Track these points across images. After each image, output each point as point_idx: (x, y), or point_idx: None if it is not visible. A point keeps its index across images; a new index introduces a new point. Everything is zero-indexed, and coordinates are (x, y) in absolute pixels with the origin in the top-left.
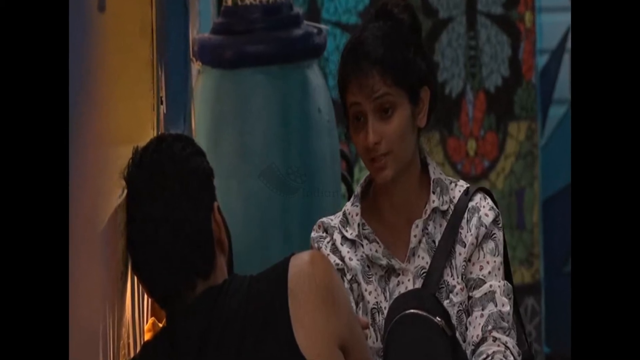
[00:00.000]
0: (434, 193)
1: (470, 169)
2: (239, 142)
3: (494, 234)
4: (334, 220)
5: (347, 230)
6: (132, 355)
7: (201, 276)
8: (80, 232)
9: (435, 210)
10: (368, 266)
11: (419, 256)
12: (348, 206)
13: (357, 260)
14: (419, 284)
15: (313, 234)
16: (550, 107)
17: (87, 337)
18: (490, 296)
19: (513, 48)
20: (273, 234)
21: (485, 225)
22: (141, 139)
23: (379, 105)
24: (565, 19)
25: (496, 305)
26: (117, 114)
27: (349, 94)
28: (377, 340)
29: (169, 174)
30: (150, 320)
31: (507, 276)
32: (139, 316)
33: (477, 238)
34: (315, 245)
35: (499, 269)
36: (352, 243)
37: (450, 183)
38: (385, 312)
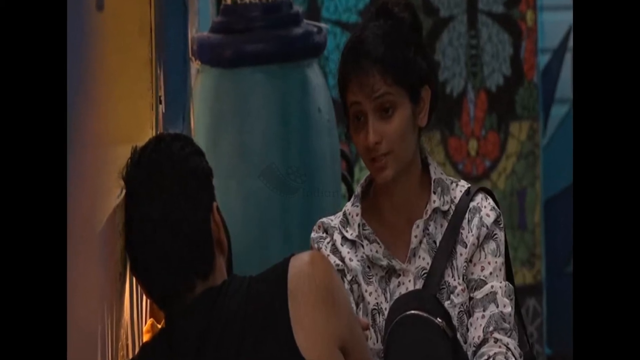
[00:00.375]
0: (434, 193)
1: (471, 169)
2: (239, 142)
3: (496, 234)
4: (334, 220)
5: (347, 231)
6: (130, 356)
7: (200, 277)
8: (79, 232)
9: (436, 210)
10: (368, 267)
11: (419, 257)
12: (348, 206)
13: (358, 260)
14: (419, 284)
15: (313, 235)
16: (552, 107)
17: (85, 338)
18: (491, 297)
19: (514, 47)
20: (273, 234)
21: (487, 226)
22: (140, 138)
23: (379, 105)
24: (567, 17)
25: (497, 306)
26: (116, 113)
27: (349, 93)
28: (377, 342)
29: (167, 174)
30: (149, 321)
31: (509, 277)
32: (137, 317)
33: (478, 238)
34: (315, 245)
35: (500, 270)
36: (353, 243)
37: (452, 183)
38: (386, 313)
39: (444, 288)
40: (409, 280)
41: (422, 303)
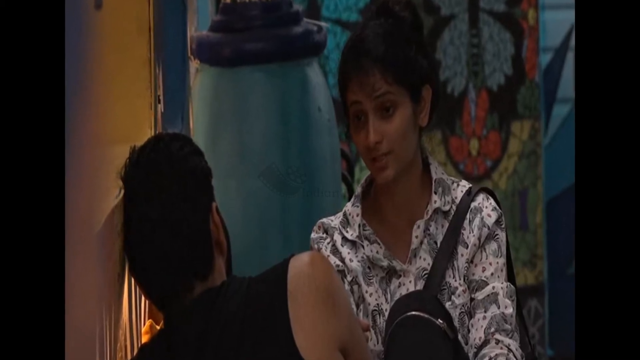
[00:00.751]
0: (435, 193)
1: (472, 169)
2: (238, 142)
3: (497, 234)
4: (334, 220)
5: (347, 231)
6: (129, 357)
7: (199, 278)
8: (77, 232)
9: (437, 210)
10: (369, 267)
11: (420, 257)
12: (348, 206)
13: (358, 261)
14: (420, 285)
15: (313, 235)
16: (554, 106)
17: (84, 340)
18: (492, 298)
19: (516, 46)
20: (272, 234)
21: (488, 226)
22: (138, 138)
23: (380, 104)
24: (569, 16)
25: (499, 307)
26: (114, 113)
27: (349, 93)
28: (378, 343)
29: (166, 174)
30: (148, 322)
31: (510, 278)
32: (136, 318)
33: (479, 239)
34: (315, 246)
35: (501, 271)
36: (353, 244)
37: (453, 183)
38: (386, 314)
39: (444, 289)
40: (410, 281)
41: (423, 304)
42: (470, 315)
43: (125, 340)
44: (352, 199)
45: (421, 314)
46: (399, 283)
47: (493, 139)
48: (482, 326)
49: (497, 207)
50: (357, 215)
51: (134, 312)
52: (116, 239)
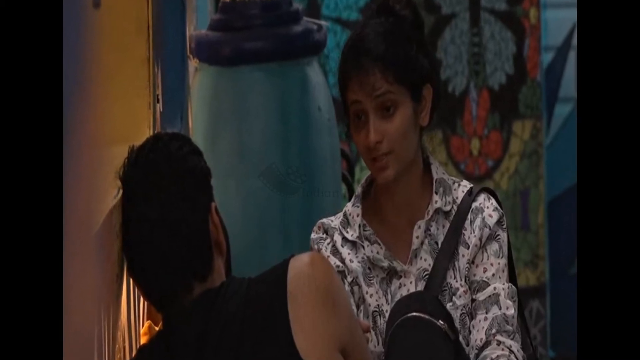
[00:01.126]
0: (436, 193)
1: (473, 169)
2: (237, 141)
3: (498, 235)
4: (335, 221)
5: (347, 232)
6: (128, 359)
7: (198, 278)
8: (75, 233)
9: (437, 211)
10: (369, 268)
11: (421, 258)
12: (349, 207)
13: (358, 262)
14: (421, 286)
15: (313, 235)
16: (556, 106)
17: (82, 341)
18: (494, 299)
19: (517, 45)
20: (272, 235)
21: (489, 227)
22: (137, 138)
23: (380, 104)
24: (571, 15)
25: (500, 308)
26: (113, 112)
27: (349, 92)
28: (378, 344)
29: (165, 174)
30: (146, 323)
31: (512, 278)
32: (134, 319)
33: (480, 239)
34: (315, 246)
35: (503, 271)
36: (353, 244)
37: (454, 183)
38: (387, 315)
39: (445, 290)
40: (410, 282)
41: (424, 305)
42: (472, 316)
43: (123, 341)
44: (352, 199)
45: (422, 315)
46: (400, 284)
47: (494, 139)
48: (483, 327)
49: (499, 208)
50: (358, 216)
51: (132, 313)
52: (115, 240)
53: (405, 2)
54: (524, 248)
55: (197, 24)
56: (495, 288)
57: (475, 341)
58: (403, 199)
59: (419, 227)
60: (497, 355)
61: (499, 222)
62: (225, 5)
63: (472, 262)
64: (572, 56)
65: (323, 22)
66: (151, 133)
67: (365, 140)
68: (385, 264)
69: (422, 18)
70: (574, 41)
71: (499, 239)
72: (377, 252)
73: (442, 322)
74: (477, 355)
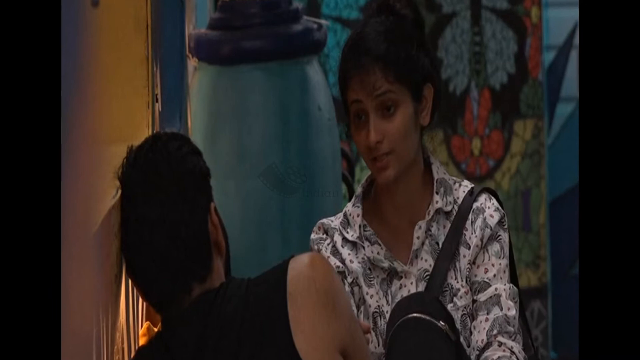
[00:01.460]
0: (437, 193)
1: (474, 169)
2: (237, 141)
3: (499, 235)
4: (335, 221)
5: (348, 232)
6: None
7: (197, 280)
8: (73, 233)
9: (438, 211)
10: (369, 269)
11: (422, 258)
12: (349, 207)
13: (358, 262)
14: (421, 287)
15: (313, 236)
16: (557, 105)
17: (80, 342)
18: (495, 300)
19: (519, 44)
20: (272, 235)
21: (490, 227)
22: (136, 137)
23: (380, 103)
24: (573, 14)
25: (501, 309)
26: (111, 112)
27: (350, 91)
28: (379, 345)
29: (164, 174)
30: (145, 324)
31: (513, 279)
32: (133, 320)
33: (481, 240)
34: (315, 247)
35: (504, 272)
36: (353, 245)
37: (454, 183)
38: (387, 316)
39: (446, 290)
40: (411, 283)
41: (425, 306)
42: (473, 317)
43: (122, 342)
44: (352, 200)
45: (422, 316)
46: (400, 284)
47: (495, 139)
48: (484, 328)
49: (500, 208)
50: (358, 216)
51: (131, 314)
52: (113, 240)
53: (405, 1)
54: (525, 248)
55: (196, 22)
56: (496, 289)
57: (477, 342)
58: (404, 199)
59: (420, 227)
60: (499, 357)
61: (500, 223)
62: (225, 4)
63: (473, 262)
64: (574, 55)
65: (323, 21)
66: (150, 133)
67: (366, 140)
68: (386, 264)
69: (423, 17)
70: (576, 40)
71: (500, 239)
72: (378, 253)
73: (442, 323)
74: (478, 357)
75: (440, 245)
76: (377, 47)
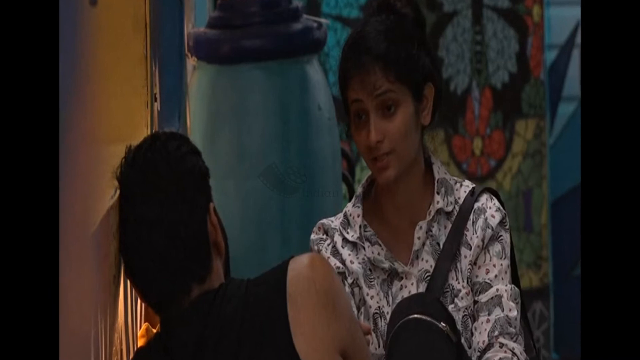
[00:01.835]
0: (438, 193)
1: (476, 169)
2: (236, 141)
3: (501, 236)
4: (335, 221)
5: (348, 232)
6: None
7: (197, 280)
8: (71, 234)
9: (439, 211)
10: (370, 269)
11: (422, 259)
12: (349, 207)
13: (359, 263)
14: (422, 287)
15: (313, 236)
16: (559, 105)
17: (78, 343)
18: (496, 301)
19: (520, 43)
20: (271, 236)
21: (492, 227)
22: (134, 137)
23: (381, 103)
24: (575, 12)
25: (503, 310)
26: (110, 111)
27: (350, 91)
28: (379, 347)
29: (163, 174)
30: (144, 325)
31: (514, 280)
32: (132, 321)
33: (483, 240)
34: (315, 247)
35: (505, 273)
36: (354, 245)
37: (455, 183)
38: (388, 317)
39: (447, 291)
40: (412, 284)
41: (425, 307)
42: (474, 318)
43: (121, 344)
44: (352, 200)
45: (423, 317)
46: (401, 285)
47: (497, 138)
48: (485, 329)
49: (501, 208)
50: (358, 216)
51: (129, 315)
52: (112, 241)
53: None
54: (526, 249)
55: (196, 21)
56: (497, 290)
57: (478, 343)
58: (404, 199)
59: (421, 227)
60: (500, 358)
61: (501, 223)
62: (224, 2)
63: (474, 263)
64: (576, 54)
65: (323, 20)
66: (149, 132)
67: (366, 139)
68: (386, 265)
69: (424, 16)
70: (578, 39)
71: (501, 240)
72: (378, 253)
73: (443, 324)
74: (479, 358)
75: (441, 246)
76: (378, 46)
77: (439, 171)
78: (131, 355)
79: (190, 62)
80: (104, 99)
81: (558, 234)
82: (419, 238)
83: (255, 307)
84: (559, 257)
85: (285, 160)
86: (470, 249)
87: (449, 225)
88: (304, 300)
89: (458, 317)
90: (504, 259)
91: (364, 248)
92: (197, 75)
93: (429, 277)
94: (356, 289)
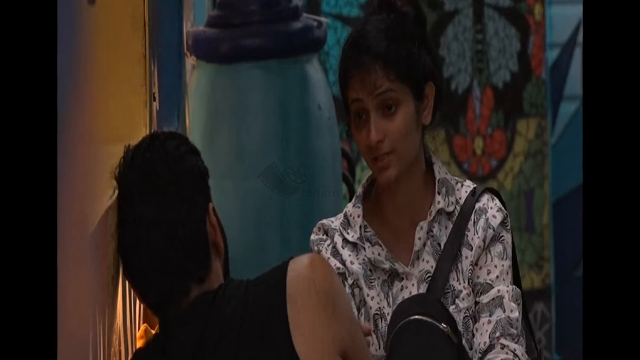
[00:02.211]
0: (439, 194)
1: (477, 169)
2: (235, 141)
3: (502, 236)
4: (335, 222)
5: (348, 233)
6: None
7: (196, 281)
8: (70, 234)
9: (440, 211)
10: (370, 270)
11: (423, 260)
12: (349, 207)
13: (359, 264)
14: (423, 288)
15: (313, 237)
16: (561, 104)
17: (77, 344)
18: (498, 301)
19: (522, 42)
20: (271, 236)
21: (493, 228)
22: (133, 137)
23: (381, 102)
24: (577, 11)
25: (504, 311)
26: (108, 111)
27: (350, 90)
28: (379, 348)
29: (162, 174)
30: (143, 326)
31: (516, 281)
32: (130, 322)
33: (484, 241)
34: (315, 248)
35: (507, 273)
36: (354, 246)
37: (457, 183)
38: (388, 318)
39: (448, 292)
40: (413, 284)
41: (426, 308)
42: (475, 319)
43: (119, 345)
44: (353, 200)
45: (424, 318)
46: (402, 286)
47: (498, 138)
48: (487, 330)
49: (503, 208)
50: (358, 217)
51: (128, 315)
52: (110, 241)
53: None
54: (528, 250)
55: (195, 20)
56: (499, 290)
57: (479, 344)
58: (405, 199)
59: (421, 228)
60: (501, 359)
61: (502, 223)
62: (223, 1)
63: (475, 264)
64: (578, 53)
65: (323, 19)
66: (147, 132)
67: (367, 139)
68: (387, 265)
69: (424, 14)
70: (580, 38)
71: (502, 240)
72: (379, 254)
73: (444, 325)
74: (480, 359)
75: (442, 246)
76: (378, 45)
77: (440, 171)
78: (130, 356)
79: (189, 61)
80: (102, 99)
81: (560, 234)
82: (419, 238)
83: (254, 307)
84: (560, 257)
85: (285, 160)
86: (472, 250)
87: (450, 226)
88: (304, 301)
89: (459, 318)
90: (506, 259)
91: (364, 248)
92: (196, 75)
93: (429, 278)
94: (356, 290)
